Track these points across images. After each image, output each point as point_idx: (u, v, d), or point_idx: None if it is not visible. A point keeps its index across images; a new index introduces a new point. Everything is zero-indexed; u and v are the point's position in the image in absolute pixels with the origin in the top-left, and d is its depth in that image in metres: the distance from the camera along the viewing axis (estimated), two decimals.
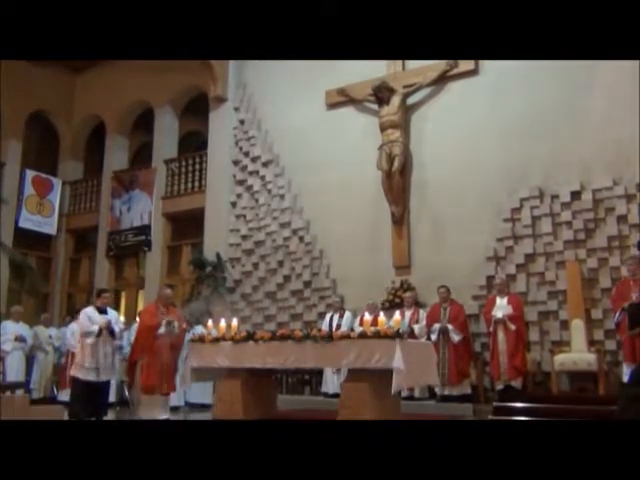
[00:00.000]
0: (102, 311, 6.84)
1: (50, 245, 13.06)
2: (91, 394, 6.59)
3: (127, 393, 8.71)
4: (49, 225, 12.78)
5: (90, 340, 6.59)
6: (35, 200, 12.52)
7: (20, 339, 9.67)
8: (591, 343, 7.31)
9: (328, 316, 8.69)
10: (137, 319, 7.42)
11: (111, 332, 6.75)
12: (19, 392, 8.09)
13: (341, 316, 8.54)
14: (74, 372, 6.70)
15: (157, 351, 6.61)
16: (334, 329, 7.55)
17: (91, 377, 6.58)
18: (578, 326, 7.32)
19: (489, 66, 8.67)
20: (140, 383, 6.50)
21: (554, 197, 7.99)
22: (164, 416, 6.57)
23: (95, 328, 6.61)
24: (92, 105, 13.19)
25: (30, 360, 10.11)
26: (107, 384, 6.96)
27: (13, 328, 9.71)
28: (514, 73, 8.34)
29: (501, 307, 7.46)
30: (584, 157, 7.82)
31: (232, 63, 10.95)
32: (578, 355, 7.14)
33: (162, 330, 6.65)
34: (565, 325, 7.59)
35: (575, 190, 7.85)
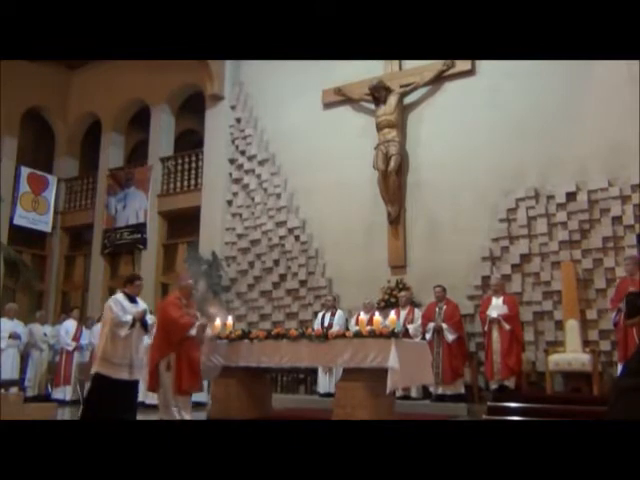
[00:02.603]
0: (132, 300, 5.94)
1: (45, 242, 13.02)
2: (119, 395, 5.58)
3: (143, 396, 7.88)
4: (44, 222, 12.73)
5: (124, 332, 5.69)
6: (30, 197, 12.48)
7: (14, 336, 9.64)
8: (585, 343, 7.33)
9: (320, 315, 8.70)
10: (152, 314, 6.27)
11: (144, 324, 5.90)
12: (13, 390, 8.07)
13: (333, 315, 8.54)
14: (99, 368, 5.63)
15: (188, 349, 5.84)
16: (326, 328, 7.55)
17: (123, 375, 5.61)
18: (573, 326, 7.34)
19: (485, 67, 8.68)
20: (175, 384, 5.64)
21: (550, 198, 8.01)
22: (189, 416, 5.92)
23: (129, 318, 5.73)
24: (88, 102, 13.15)
25: (25, 358, 10.08)
26: (137, 383, 5.98)
27: (7, 325, 9.67)
28: (510, 74, 8.36)
29: (496, 307, 7.48)
30: (580, 158, 7.84)
31: (229, 62, 10.93)
32: (572, 355, 7.16)
33: (193, 332, 5.90)
34: (560, 325, 7.61)
35: (570, 191, 7.87)
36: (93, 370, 5.71)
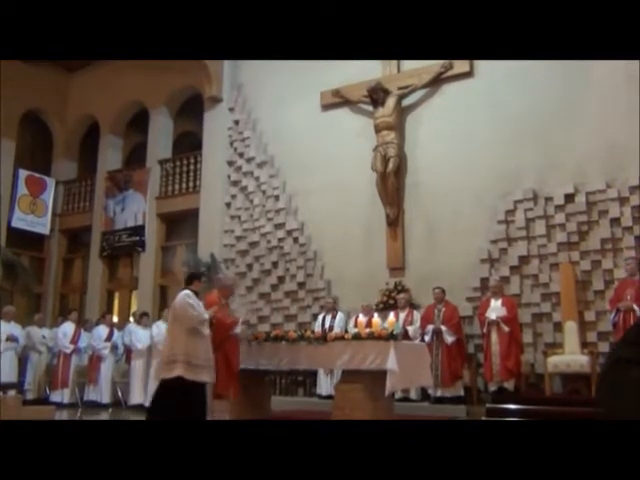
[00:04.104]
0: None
1: (43, 245, 13.00)
2: (195, 398, 5.18)
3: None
4: (42, 225, 12.72)
5: (207, 330, 5.30)
6: (28, 200, 12.47)
7: (12, 339, 9.62)
8: (584, 345, 7.33)
9: (320, 317, 8.69)
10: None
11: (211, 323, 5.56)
12: (12, 393, 8.05)
13: (333, 317, 8.54)
14: (183, 372, 5.09)
15: (228, 350, 5.63)
16: (326, 330, 7.55)
17: (205, 377, 5.22)
18: (571, 328, 7.35)
19: (484, 68, 8.69)
20: (215, 387, 5.40)
21: (548, 199, 8.02)
22: None
23: (207, 316, 5.40)
24: (86, 105, 13.14)
25: (23, 361, 10.07)
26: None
27: (5, 328, 9.65)
28: (509, 76, 8.37)
29: (495, 309, 7.48)
30: (578, 160, 7.85)
31: (227, 64, 10.94)
32: (571, 357, 7.16)
33: (238, 330, 5.70)
34: (558, 327, 7.61)
35: (569, 193, 7.88)
36: (173, 374, 5.08)
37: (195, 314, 5.26)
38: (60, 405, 9.28)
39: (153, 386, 9.03)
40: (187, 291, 5.42)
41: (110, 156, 12.82)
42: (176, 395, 5.03)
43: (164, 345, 5.39)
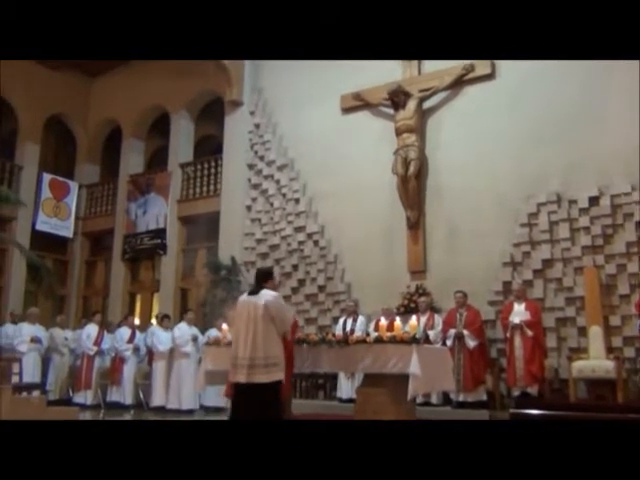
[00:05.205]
0: None
1: (66, 248, 13.17)
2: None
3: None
4: (65, 228, 12.88)
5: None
6: (52, 203, 12.64)
7: (36, 341, 9.75)
8: (609, 350, 7.22)
9: (342, 320, 8.67)
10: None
11: None
12: (35, 393, 8.15)
13: (355, 320, 8.52)
14: (281, 376, 4.94)
15: (291, 351, 5.44)
16: (348, 333, 7.51)
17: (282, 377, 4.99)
18: (596, 333, 7.23)
19: (506, 70, 8.62)
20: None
21: (572, 202, 7.91)
22: None
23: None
24: (109, 109, 13.30)
25: (46, 362, 10.19)
26: None
27: (29, 330, 9.79)
28: (530, 77, 8.29)
29: (518, 313, 7.39)
30: (602, 162, 7.74)
31: (248, 68, 11.00)
32: (596, 362, 7.05)
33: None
34: (583, 332, 7.49)
35: (593, 195, 7.77)
36: (273, 378, 4.82)
37: (290, 316, 5.18)
38: (83, 406, 9.37)
39: (178, 388, 9.10)
40: (277, 293, 5.22)
41: (132, 160, 12.96)
42: (272, 397, 4.84)
43: (248, 347, 4.85)
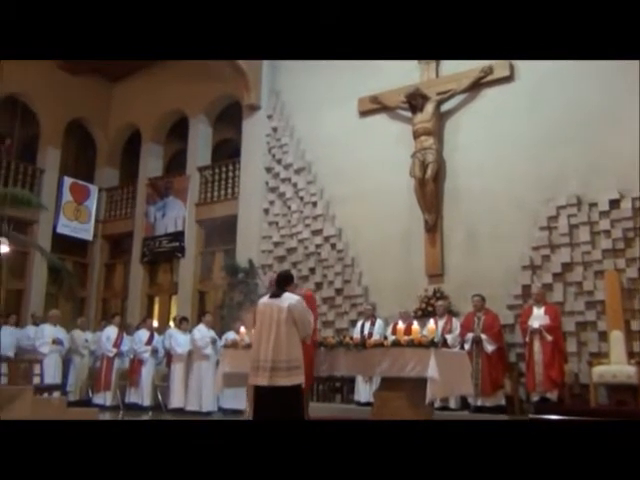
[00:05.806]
0: None
1: (86, 251, 13.33)
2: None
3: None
4: (86, 231, 13.04)
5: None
6: (73, 206, 12.80)
7: (57, 342, 9.88)
8: (631, 355, 7.11)
9: (359, 323, 8.66)
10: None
11: None
12: (56, 394, 8.26)
13: (372, 324, 8.50)
14: (302, 379, 4.90)
15: (310, 354, 5.46)
16: (366, 337, 7.50)
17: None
18: (617, 337, 7.13)
19: (524, 72, 8.56)
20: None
21: (592, 205, 7.83)
22: None
23: None
24: (128, 114, 13.46)
25: (66, 363, 10.31)
26: None
27: (51, 331, 9.93)
28: (549, 79, 8.22)
29: (538, 317, 7.33)
30: (622, 164, 7.63)
31: (265, 71, 11.05)
32: (617, 367, 6.96)
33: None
34: (604, 336, 7.40)
35: (614, 198, 7.67)
36: (295, 381, 4.77)
37: (311, 320, 5.10)
38: (102, 407, 9.47)
39: (197, 390, 9.14)
40: (299, 297, 5.14)
41: (151, 163, 13.08)
42: (295, 400, 4.81)
43: (270, 350, 4.79)
